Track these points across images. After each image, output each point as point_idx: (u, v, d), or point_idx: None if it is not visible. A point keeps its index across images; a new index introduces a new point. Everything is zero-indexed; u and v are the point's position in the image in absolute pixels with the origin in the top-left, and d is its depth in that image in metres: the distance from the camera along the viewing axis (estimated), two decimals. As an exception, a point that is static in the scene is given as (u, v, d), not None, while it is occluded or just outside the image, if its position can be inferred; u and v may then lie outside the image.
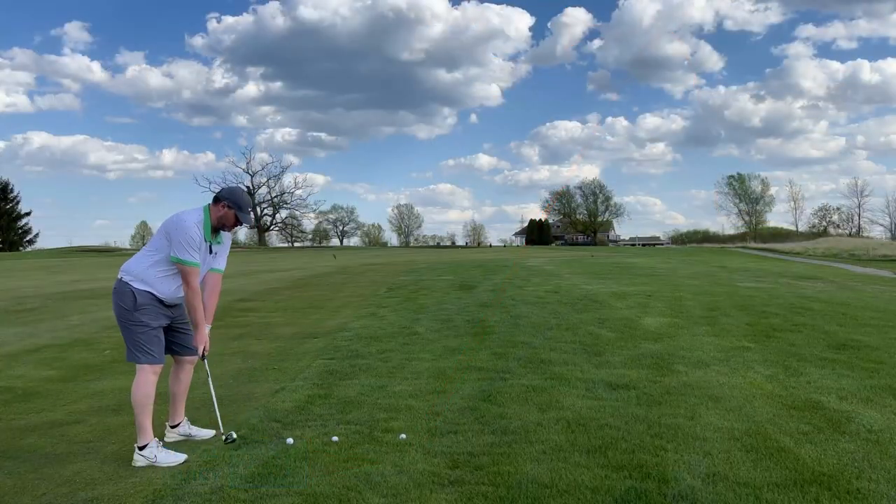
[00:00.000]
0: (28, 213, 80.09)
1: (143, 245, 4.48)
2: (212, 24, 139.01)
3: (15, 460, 3.75)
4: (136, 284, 3.80)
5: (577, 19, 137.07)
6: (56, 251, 69.05)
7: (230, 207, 3.94)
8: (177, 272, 3.82)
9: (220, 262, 4.09)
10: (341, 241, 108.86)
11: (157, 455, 3.64)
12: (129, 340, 3.82)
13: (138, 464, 3.62)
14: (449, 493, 3.12)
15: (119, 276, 3.87)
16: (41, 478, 3.47)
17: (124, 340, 3.86)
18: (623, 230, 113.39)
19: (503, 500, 3.03)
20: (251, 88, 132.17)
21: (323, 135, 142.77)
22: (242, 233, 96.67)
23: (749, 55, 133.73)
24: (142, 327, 3.78)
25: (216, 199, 3.97)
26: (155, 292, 3.81)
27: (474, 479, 3.26)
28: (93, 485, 3.37)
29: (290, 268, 25.64)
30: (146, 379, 3.76)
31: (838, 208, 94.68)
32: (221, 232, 4.03)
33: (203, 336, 4.02)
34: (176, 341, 4.02)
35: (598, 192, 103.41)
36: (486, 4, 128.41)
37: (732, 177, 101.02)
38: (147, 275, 3.82)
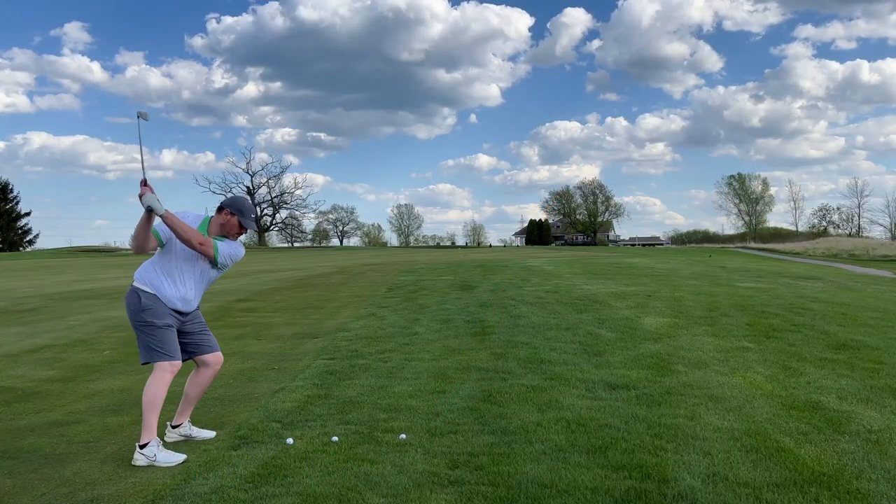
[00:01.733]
0: (28, 214, 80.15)
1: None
2: (211, 25, 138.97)
3: (15, 460, 3.75)
4: (140, 286, 3.86)
5: (576, 20, 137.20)
6: (56, 251, 69.02)
7: (233, 214, 3.98)
8: (174, 271, 3.85)
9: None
10: (341, 242, 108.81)
11: (157, 455, 3.64)
12: (141, 342, 3.86)
13: (138, 462, 3.62)
14: (449, 493, 3.12)
15: (130, 284, 3.96)
16: (41, 478, 3.47)
17: (138, 344, 3.90)
18: (623, 230, 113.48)
19: (503, 501, 3.03)
20: (251, 89, 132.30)
21: (322, 135, 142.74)
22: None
23: (748, 55, 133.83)
24: (150, 327, 3.80)
25: (219, 209, 4.03)
26: (157, 293, 3.83)
27: (474, 479, 3.26)
28: (92, 485, 3.36)
29: (290, 268, 25.63)
30: (160, 377, 3.78)
31: (838, 208, 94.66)
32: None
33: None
34: (190, 342, 4.01)
35: (597, 192, 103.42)
36: (486, 5, 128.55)
37: (733, 177, 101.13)
38: (149, 276, 3.87)
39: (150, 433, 3.71)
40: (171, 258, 3.88)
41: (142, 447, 3.67)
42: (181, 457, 3.69)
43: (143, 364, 3.89)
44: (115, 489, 3.30)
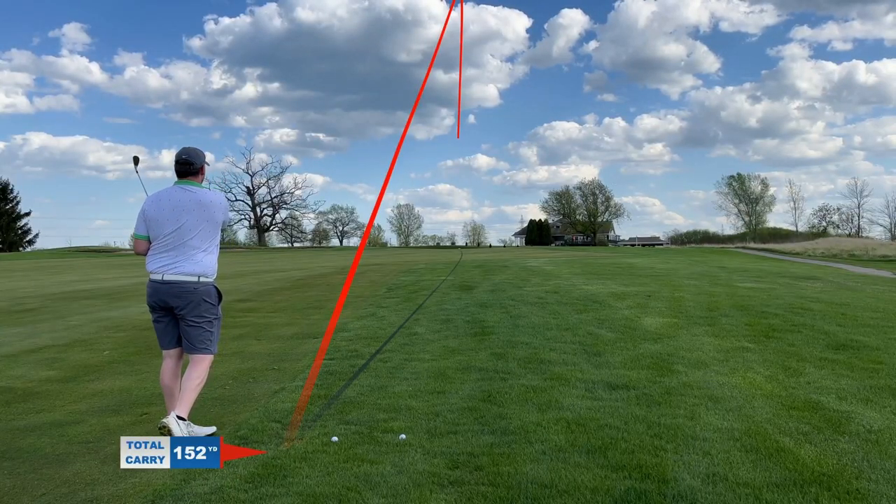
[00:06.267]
0: (27, 214, 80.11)
1: None
2: (209, 26, 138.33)
3: (15, 460, 3.75)
4: (213, 278, 4.13)
5: (573, 21, 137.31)
6: (56, 251, 69.03)
7: None
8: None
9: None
10: (341, 242, 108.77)
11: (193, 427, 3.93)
12: (215, 334, 4.15)
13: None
14: (449, 493, 3.12)
15: (199, 278, 4.14)
16: (41, 478, 3.48)
17: (201, 338, 4.10)
18: (622, 230, 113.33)
19: (503, 501, 3.03)
20: (249, 89, 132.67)
21: (321, 135, 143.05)
22: (242, 233, 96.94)
23: (745, 56, 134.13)
24: (219, 320, 4.18)
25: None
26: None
27: (474, 480, 3.27)
28: (92, 485, 3.37)
29: (290, 268, 25.63)
30: (208, 367, 4.09)
31: (838, 208, 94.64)
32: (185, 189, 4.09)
33: None
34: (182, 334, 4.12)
35: (597, 192, 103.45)
36: (484, 6, 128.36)
37: (732, 177, 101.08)
38: (215, 267, 4.15)
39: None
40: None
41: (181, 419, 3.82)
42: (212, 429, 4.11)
43: (209, 355, 4.07)
44: (114, 489, 3.30)
